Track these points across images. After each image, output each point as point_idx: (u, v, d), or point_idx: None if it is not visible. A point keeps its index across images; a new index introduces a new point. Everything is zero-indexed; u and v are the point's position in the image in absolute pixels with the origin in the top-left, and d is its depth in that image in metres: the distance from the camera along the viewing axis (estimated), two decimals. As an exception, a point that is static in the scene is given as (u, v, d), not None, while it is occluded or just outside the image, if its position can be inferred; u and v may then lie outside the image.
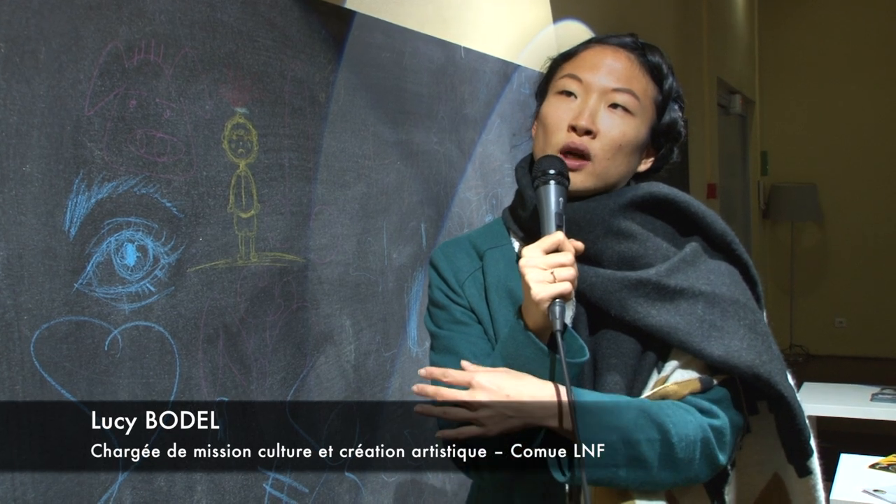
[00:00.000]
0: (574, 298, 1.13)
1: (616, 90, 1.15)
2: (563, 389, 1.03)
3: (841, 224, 7.34)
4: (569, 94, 1.16)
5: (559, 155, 1.14)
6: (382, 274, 1.86)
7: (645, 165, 1.23)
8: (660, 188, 1.18)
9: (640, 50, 1.20)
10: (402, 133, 1.95)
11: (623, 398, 1.08)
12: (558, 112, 1.16)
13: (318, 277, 1.65)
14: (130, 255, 1.23)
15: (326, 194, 1.68)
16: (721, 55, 5.82)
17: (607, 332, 1.13)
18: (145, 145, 1.26)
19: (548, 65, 1.26)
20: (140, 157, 1.25)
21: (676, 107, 1.23)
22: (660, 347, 1.12)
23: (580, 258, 1.13)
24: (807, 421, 1.14)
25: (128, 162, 1.22)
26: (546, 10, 2.92)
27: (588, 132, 1.13)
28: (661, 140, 1.22)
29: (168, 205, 1.29)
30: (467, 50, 2.28)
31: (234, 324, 1.42)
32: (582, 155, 1.13)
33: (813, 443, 1.17)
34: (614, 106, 1.15)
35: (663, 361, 1.13)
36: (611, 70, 1.16)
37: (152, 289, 1.26)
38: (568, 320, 1.13)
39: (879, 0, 6.97)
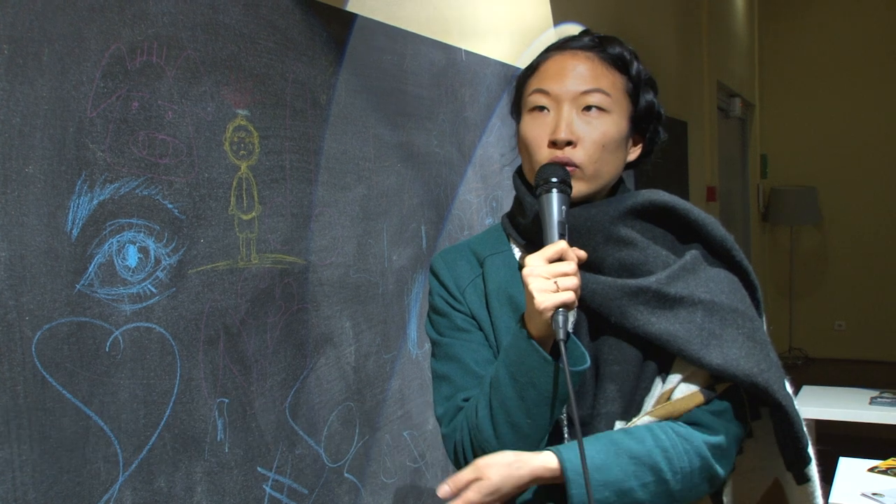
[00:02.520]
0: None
1: (585, 92, 1.15)
2: (550, 456, 1.06)
3: (840, 227, 7.35)
4: (541, 108, 1.16)
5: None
6: (383, 276, 1.86)
7: (634, 154, 1.23)
8: (660, 196, 1.18)
9: (599, 46, 1.19)
10: (402, 135, 1.96)
11: (612, 442, 1.08)
12: (535, 130, 1.16)
13: (318, 279, 1.65)
14: (132, 257, 1.23)
15: (327, 196, 1.68)
16: (721, 59, 5.83)
17: (609, 338, 1.13)
18: (147, 147, 1.26)
19: (515, 86, 1.26)
20: (142, 158, 1.25)
21: (650, 90, 1.23)
22: (661, 355, 1.13)
23: (581, 265, 1.13)
24: (805, 429, 1.15)
25: (130, 163, 1.23)
26: (546, 12, 2.93)
27: (569, 143, 1.13)
28: (643, 124, 1.22)
29: (170, 206, 1.30)
30: (468, 53, 2.28)
31: (235, 325, 1.42)
32: (568, 164, 1.13)
33: (811, 450, 1.17)
34: (588, 108, 1.15)
35: (665, 370, 1.13)
36: (575, 75, 1.16)
37: (153, 290, 1.27)
38: (570, 327, 1.14)
39: (879, 5, 6.99)
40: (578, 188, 1.14)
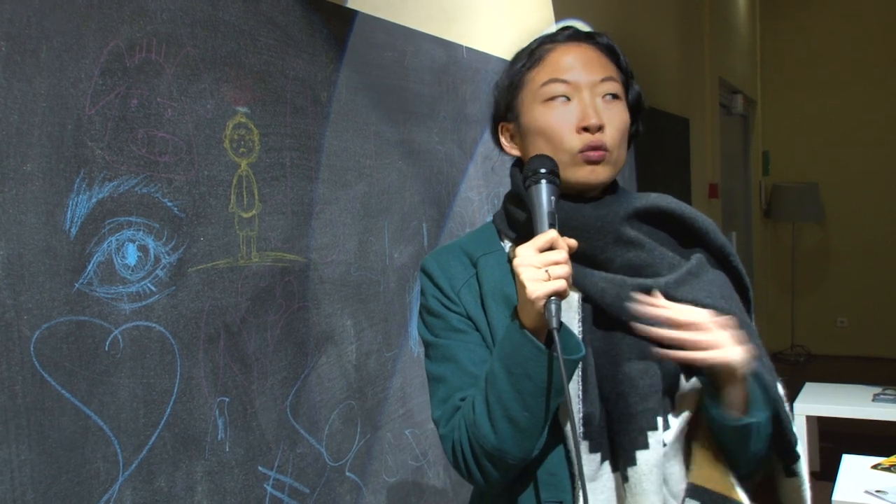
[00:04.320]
0: (582, 299, 1.14)
1: (603, 80, 1.16)
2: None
3: (842, 224, 7.34)
4: (559, 98, 1.16)
5: (576, 155, 1.14)
6: (384, 274, 1.86)
7: None
8: (667, 202, 1.20)
9: (592, 38, 1.21)
10: (403, 132, 1.95)
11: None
12: (558, 118, 1.15)
13: (319, 277, 1.64)
14: (131, 255, 1.22)
15: (328, 194, 1.67)
16: (723, 55, 5.81)
17: (626, 336, 1.13)
18: (146, 145, 1.25)
19: (507, 81, 1.23)
20: (141, 156, 1.24)
21: (634, 82, 1.25)
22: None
23: (589, 263, 1.14)
24: (794, 428, 1.19)
25: (129, 161, 1.22)
26: (548, 9, 2.92)
27: (600, 128, 1.14)
28: (635, 114, 1.24)
29: (169, 204, 1.29)
30: (469, 49, 2.27)
31: (235, 323, 1.42)
32: (601, 148, 1.14)
33: (800, 448, 1.20)
34: (605, 96, 1.16)
35: (683, 366, 1.14)
36: (587, 63, 1.17)
37: (153, 288, 1.26)
38: (572, 318, 1.13)
39: (880, 2, 6.97)
40: (607, 173, 1.15)
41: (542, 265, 1.03)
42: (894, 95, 7.01)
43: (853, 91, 7.16)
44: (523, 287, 1.03)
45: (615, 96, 1.16)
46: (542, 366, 1.04)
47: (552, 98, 1.16)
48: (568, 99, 1.16)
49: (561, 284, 1.02)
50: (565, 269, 1.03)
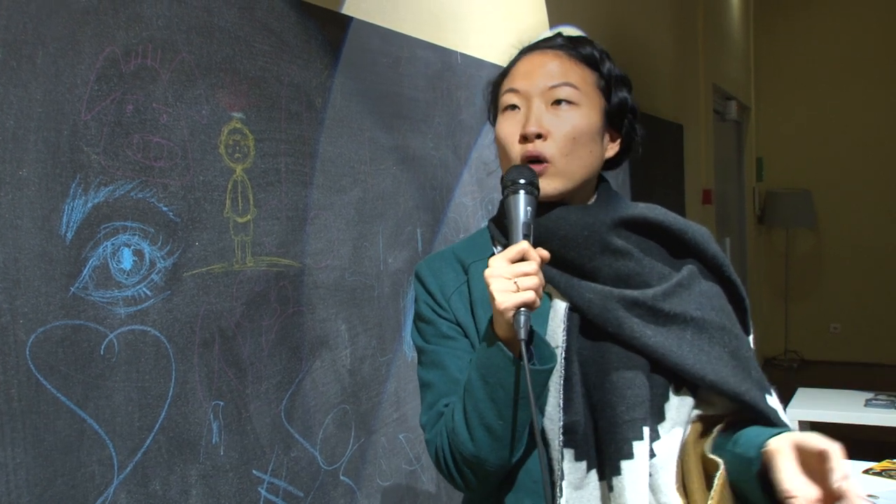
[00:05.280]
0: (570, 309, 1.14)
1: (553, 87, 1.16)
2: None
3: (836, 230, 7.36)
4: (513, 107, 1.17)
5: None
6: (378, 279, 1.86)
7: (612, 150, 1.24)
8: (655, 213, 1.19)
9: (570, 46, 1.21)
10: (398, 138, 1.96)
11: None
12: (508, 128, 1.17)
13: (313, 282, 1.65)
14: (127, 260, 1.23)
15: (323, 199, 1.68)
16: (717, 61, 5.84)
17: (614, 346, 1.13)
18: (142, 150, 1.26)
19: (489, 90, 1.27)
20: (137, 161, 1.25)
21: (623, 87, 1.23)
22: (662, 364, 1.13)
23: (577, 273, 1.14)
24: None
25: (124, 166, 1.23)
26: (542, 15, 2.94)
27: (538, 136, 1.14)
28: (618, 120, 1.23)
29: (164, 209, 1.30)
30: (463, 55, 2.28)
31: (230, 328, 1.42)
32: (539, 159, 1.14)
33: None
34: (557, 102, 1.16)
35: (670, 379, 1.13)
36: (545, 71, 1.17)
37: (148, 293, 1.26)
38: (557, 327, 1.14)
39: (874, 7, 7.01)
40: (553, 185, 1.14)
41: (511, 276, 1.02)
42: (888, 102, 7.04)
43: (847, 97, 7.20)
44: (493, 298, 1.03)
45: (569, 102, 1.15)
46: (513, 375, 1.05)
47: (507, 108, 1.18)
48: (519, 108, 1.17)
49: (529, 296, 1.01)
50: (534, 281, 1.03)
